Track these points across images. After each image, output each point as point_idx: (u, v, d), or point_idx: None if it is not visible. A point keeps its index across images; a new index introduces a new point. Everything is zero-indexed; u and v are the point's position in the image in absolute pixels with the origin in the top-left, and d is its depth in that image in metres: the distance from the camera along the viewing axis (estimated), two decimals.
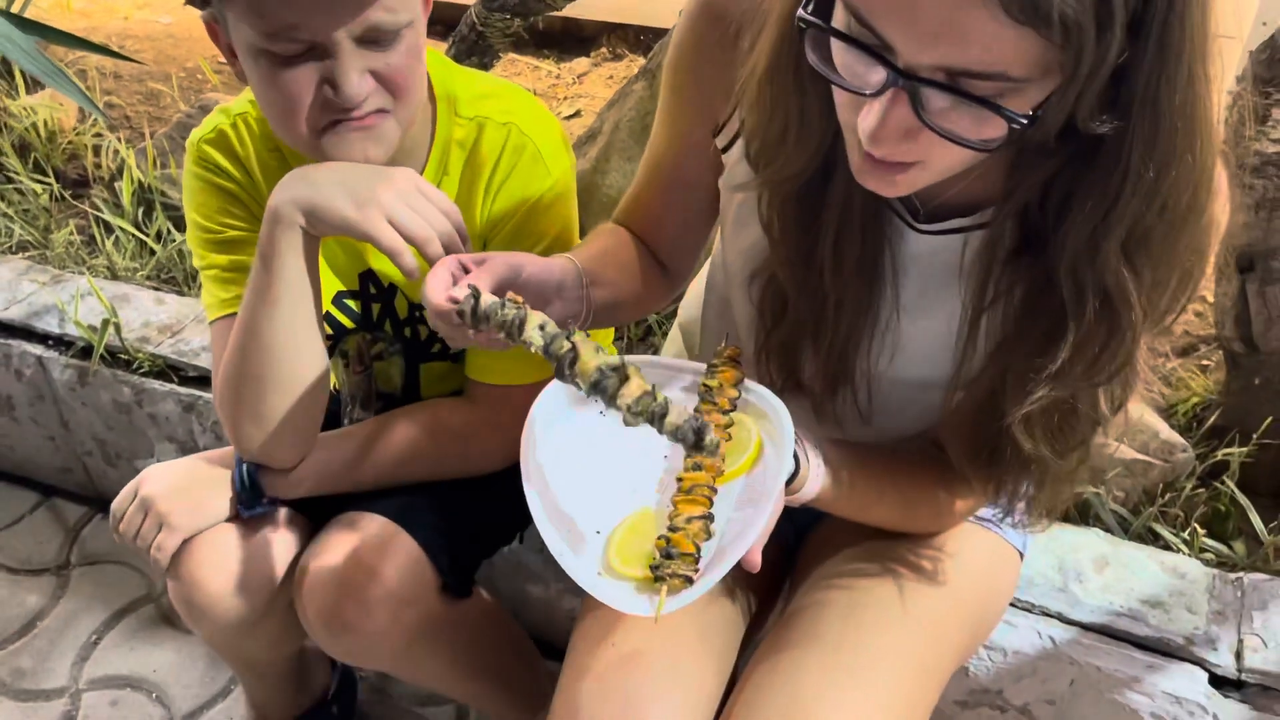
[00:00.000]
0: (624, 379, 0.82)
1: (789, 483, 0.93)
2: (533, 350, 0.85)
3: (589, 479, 0.92)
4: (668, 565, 0.83)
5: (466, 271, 0.93)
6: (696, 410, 0.93)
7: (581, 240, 1.20)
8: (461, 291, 0.87)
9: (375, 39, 1.03)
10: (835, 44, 0.76)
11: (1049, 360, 0.87)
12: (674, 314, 1.57)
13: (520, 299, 0.87)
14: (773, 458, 0.90)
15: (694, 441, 0.81)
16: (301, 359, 1.12)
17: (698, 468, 0.88)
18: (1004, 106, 0.70)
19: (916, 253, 0.96)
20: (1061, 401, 0.90)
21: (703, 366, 0.98)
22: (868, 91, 0.74)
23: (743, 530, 0.85)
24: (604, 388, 0.83)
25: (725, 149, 1.04)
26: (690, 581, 0.83)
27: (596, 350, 0.83)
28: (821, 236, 0.93)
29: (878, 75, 0.73)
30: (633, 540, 0.87)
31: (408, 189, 1.04)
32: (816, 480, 0.97)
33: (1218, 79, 0.73)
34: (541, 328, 0.85)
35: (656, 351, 1.97)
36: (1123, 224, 0.78)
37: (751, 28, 0.91)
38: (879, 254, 0.95)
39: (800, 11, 0.76)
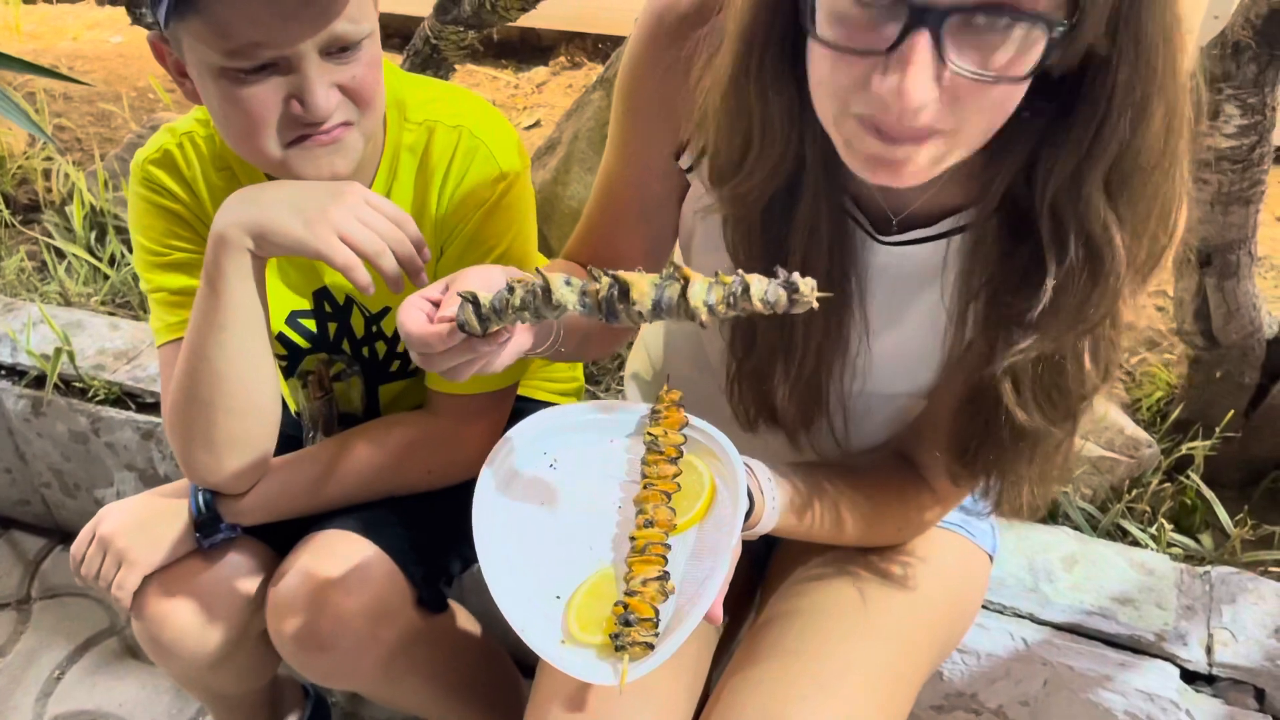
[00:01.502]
0: (682, 279, 0.75)
1: (744, 519, 0.92)
2: (570, 310, 0.78)
3: (544, 542, 0.90)
4: (627, 634, 0.80)
5: (436, 306, 0.88)
6: (643, 460, 0.91)
7: (551, 263, 1.18)
8: (451, 308, 0.83)
9: (338, 50, 1.02)
10: (829, 9, 0.72)
11: (1030, 307, 0.85)
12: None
13: (521, 278, 0.82)
14: (727, 502, 0.88)
15: (790, 293, 0.73)
16: (252, 383, 1.10)
17: (650, 524, 0.86)
18: (1043, 14, 0.67)
19: (883, 265, 0.95)
20: (1049, 359, 0.88)
21: (645, 408, 0.96)
22: (884, 47, 0.70)
23: (702, 585, 0.83)
24: (668, 299, 0.75)
25: (690, 169, 1.02)
26: (652, 647, 0.81)
27: (639, 271, 0.77)
28: (788, 260, 0.92)
29: (891, 27, 0.69)
30: (592, 604, 0.85)
31: (356, 203, 1.03)
32: (773, 514, 0.96)
33: (1188, 20, 0.73)
34: (568, 283, 0.79)
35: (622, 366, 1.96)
36: (1101, 165, 0.77)
37: (708, 43, 0.90)
38: (844, 275, 0.94)
39: None
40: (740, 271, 0.74)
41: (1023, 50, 0.70)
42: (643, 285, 0.76)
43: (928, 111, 0.72)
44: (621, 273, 0.77)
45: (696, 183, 1.02)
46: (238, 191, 1.05)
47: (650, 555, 0.84)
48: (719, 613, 0.83)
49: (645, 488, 0.89)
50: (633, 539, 0.86)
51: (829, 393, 1.01)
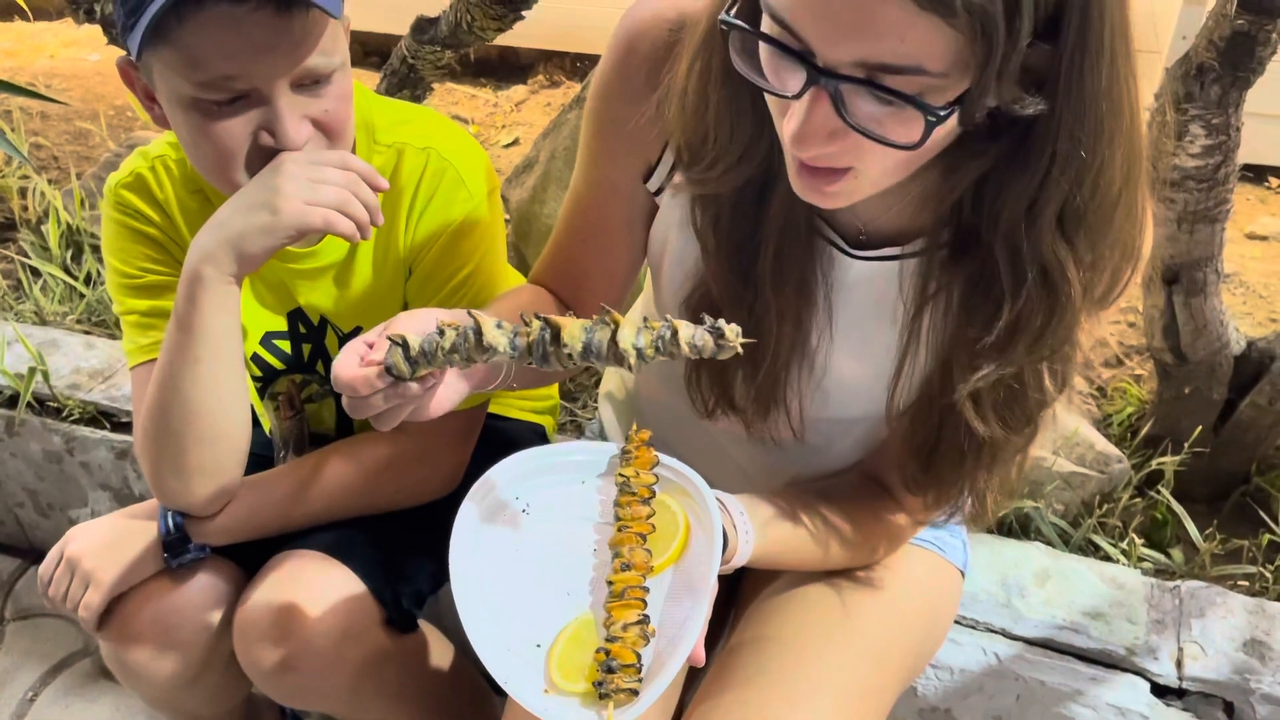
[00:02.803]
0: (613, 324, 0.78)
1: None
2: (501, 354, 0.80)
3: (522, 590, 0.89)
4: (611, 680, 0.81)
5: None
6: (616, 502, 0.92)
7: (500, 294, 1.18)
8: (380, 351, 0.82)
9: (310, 83, 1.03)
10: (761, 49, 0.76)
11: (989, 336, 0.87)
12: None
13: (452, 321, 0.83)
14: (702, 541, 0.88)
15: (716, 339, 0.77)
16: (223, 414, 1.11)
17: (627, 567, 0.86)
18: (921, 100, 0.70)
19: (852, 280, 0.96)
20: (1008, 380, 0.90)
21: (615, 447, 0.97)
22: (789, 94, 0.74)
23: (682, 627, 0.84)
24: (597, 344, 0.78)
25: (658, 192, 1.03)
26: (636, 693, 0.81)
27: (568, 314, 0.80)
28: (760, 251, 0.93)
29: (798, 77, 0.73)
30: (574, 651, 0.85)
31: (301, 168, 1.02)
32: (748, 547, 0.96)
33: (1139, 67, 0.75)
34: (499, 326, 0.80)
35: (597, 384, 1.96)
36: (1054, 203, 0.79)
37: (676, 61, 0.91)
38: (813, 278, 0.95)
39: (723, 14, 0.76)
40: (669, 317, 0.78)
41: (905, 123, 0.73)
42: (573, 329, 0.79)
43: (824, 157, 0.77)
44: (553, 317, 0.79)
45: (665, 204, 1.03)
46: (200, 231, 1.06)
47: (629, 599, 0.85)
48: (701, 654, 0.84)
49: (620, 530, 0.90)
50: (610, 583, 0.87)
51: (787, 386, 1.02)
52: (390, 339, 0.82)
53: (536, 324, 0.79)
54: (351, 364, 0.83)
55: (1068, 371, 0.93)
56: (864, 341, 0.99)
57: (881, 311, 0.97)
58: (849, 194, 0.82)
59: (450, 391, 0.89)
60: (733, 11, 0.76)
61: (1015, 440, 0.96)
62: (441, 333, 0.81)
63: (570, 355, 0.79)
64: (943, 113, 0.71)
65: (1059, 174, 0.78)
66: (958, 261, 0.89)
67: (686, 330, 0.77)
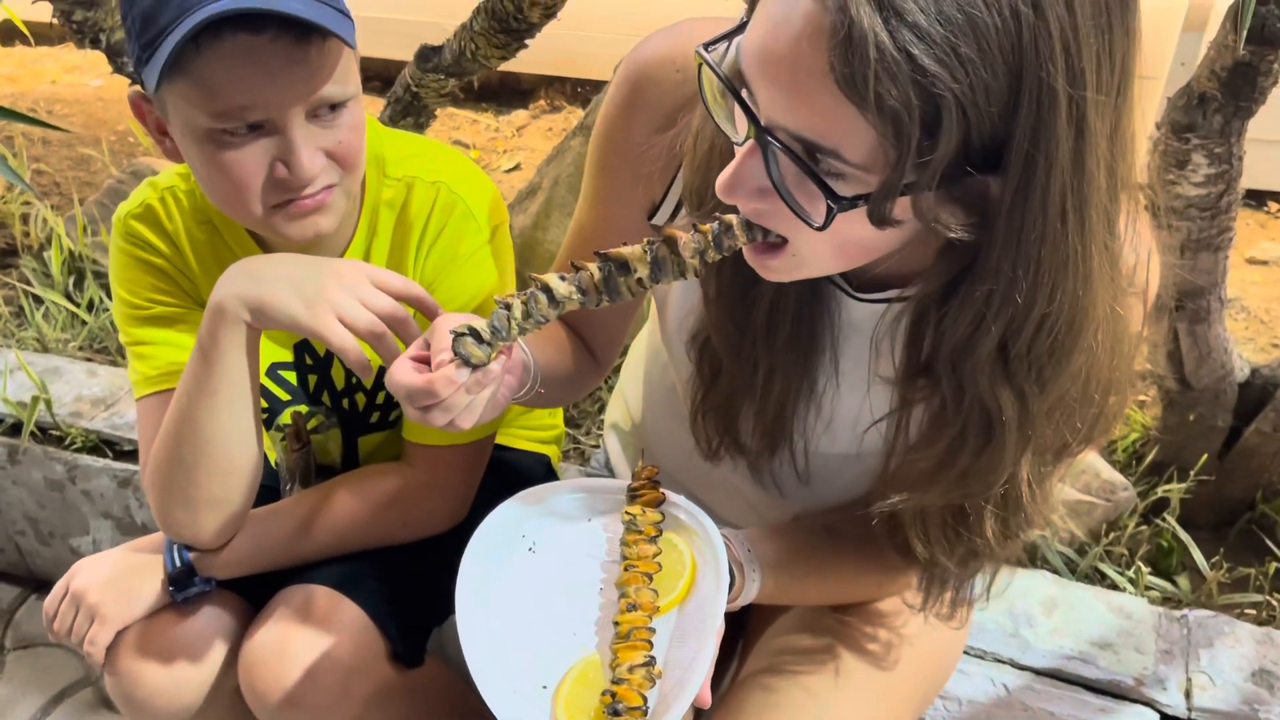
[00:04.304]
0: (669, 238, 0.79)
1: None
2: (571, 303, 0.81)
3: (528, 631, 0.89)
4: None
5: (424, 361, 0.88)
6: (622, 541, 0.91)
7: None
8: (444, 350, 0.82)
9: (325, 112, 1.03)
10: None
11: (924, 458, 0.86)
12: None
13: (505, 295, 0.84)
14: (709, 580, 0.88)
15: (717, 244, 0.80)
16: (237, 448, 1.10)
17: (633, 608, 0.86)
18: (828, 183, 0.70)
19: (857, 319, 0.96)
20: (945, 509, 0.90)
21: (621, 484, 0.96)
22: (737, 139, 0.76)
23: (688, 669, 0.83)
24: (661, 259, 0.79)
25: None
26: None
27: (623, 243, 0.81)
28: (756, 303, 0.93)
29: (745, 127, 0.74)
30: (580, 692, 0.84)
31: (358, 282, 1.02)
32: (754, 586, 0.96)
33: (1105, 226, 0.72)
34: (562, 278, 0.81)
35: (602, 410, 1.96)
36: (991, 341, 0.77)
37: (692, 103, 0.91)
38: (817, 323, 0.95)
39: (700, 48, 0.76)
40: (718, 214, 0.79)
41: (816, 202, 0.72)
42: (636, 251, 0.80)
43: (753, 211, 0.77)
44: (609, 250, 0.80)
45: None
46: (239, 262, 1.06)
47: (635, 641, 0.84)
48: (708, 696, 0.83)
49: (626, 569, 0.89)
50: (616, 624, 0.86)
51: (792, 430, 1.02)
52: (454, 331, 0.82)
53: (596, 264, 0.80)
54: (413, 373, 0.84)
55: (1017, 528, 0.91)
56: (863, 383, 0.99)
57: (882, 350, 0.97)
58: (790, 270, 0.82)
59: (505, 390, 0.90)
60: (713, 49, 0.76)
61: (948, 563, 0.95)
62: (507, 306, 0.82)
63: (640, 279, 0.80)
64: (844, 201, 0.70)
65: (992, 317, 0.75)
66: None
67: (738, 219, 0.78)
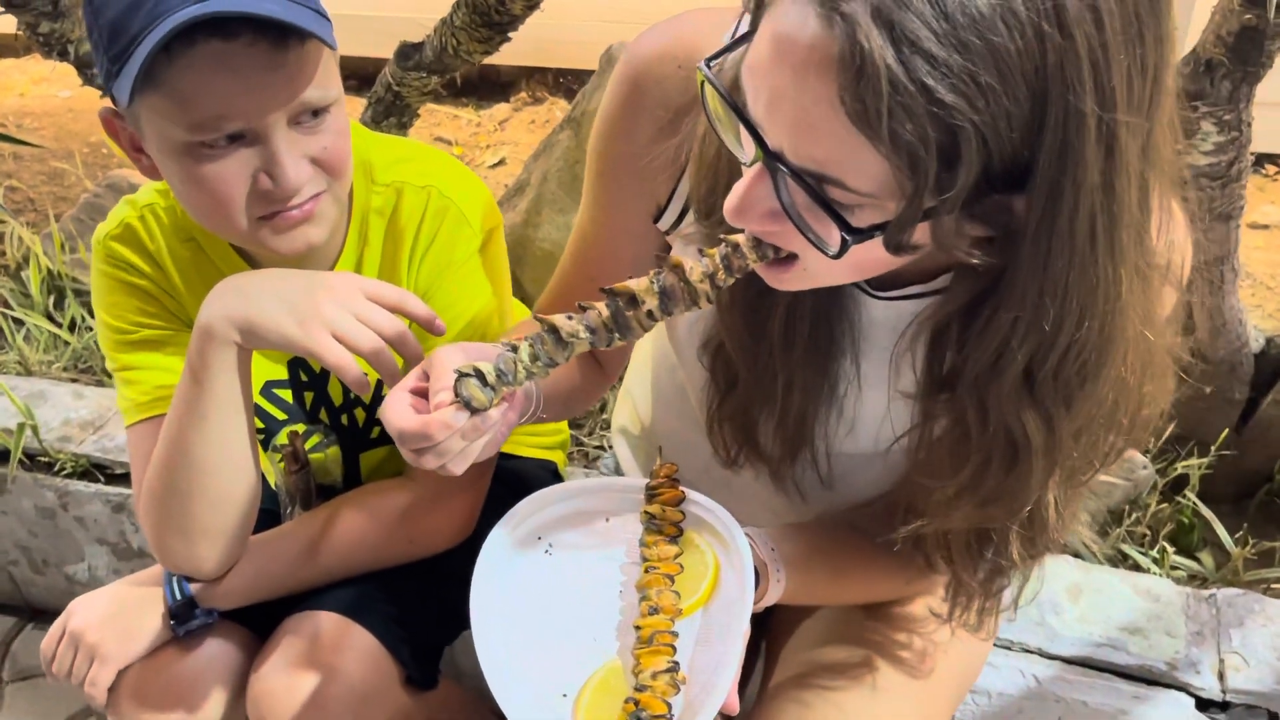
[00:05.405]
0: (675, 266, 0.77)
1: None
2: (581, 345, 0.79)
3: (546, 637, 0.86)
4: None
5: (422, 394, 0.85)
6: (642, 541, 0.88)
7: (509, 330, 1.15)
8: (445, 390, 0.79)
9: (306, 119, 0.99)
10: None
11: (949, 484, 0.84)
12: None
13: (500, 342, 0.81)
14: (732, 581, 0.85)
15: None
16: (232, 475, 1.06)
17: (654, 611, 0.83)
18: (839, 212, 0.67)
19: (879, 318, 0.92)
20: (968, 530, 0.88)
21: (638, 482, 0.93)
22: (745, 159, 0.72)
23: (715, 674, 0.80)
24: (670, 289, 0.77)
25: (668, 232, 0.99)
26: None
27: (628, 278, 0.78)
28: (771, 312, 0.89)
29: (752, 148, 0.71)
30: (602, 700, 0.81)
31: (351, 297, 0.97)
32: (779, 586, 0.93)
33: (1136, 243, 0.69)
34: (569, 318, 0.79)
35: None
36: (1017, 363, 0.74)
37: (696, 104, 0.87)
38: (836, 326, 0.91)
39: (703, 64, 0.73)
40: (722, 236, 0.77)
41: (829, 230, 0.69)
42: (642, 284, 0.77)
43: (765, 233, 0.74)
44: (614, 285, 0.77)
45: (677, 248, 0.99)
46: (226, 280, 1.01)
47: (658, 645, 0.81)
48: (735, 702, 0.80)
49: (647, 571, 0.86)
50: (637, 628, 0.83)
51: (813, 435, 0.98)
52: (459, 371, 0.78)
53: (601, 302, 0.78)
54: (408, 413, 0.80)
55: (1041, 548, 0.90)
56: (891, 376, 0.95)
57: (902, 367, 0.93)
58: (802, 282, 0.79)
59: (505, 426, 0.86)
60: (714, 64, 0.73)
61: (971, 581, 0.94)
62: (514, 348, 0.79)
63: (650, 312, 0.77)
64: (859, 233, 0.67)
65: (1018, 344, 0.73)
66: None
67: (745, 238, 0.76)
